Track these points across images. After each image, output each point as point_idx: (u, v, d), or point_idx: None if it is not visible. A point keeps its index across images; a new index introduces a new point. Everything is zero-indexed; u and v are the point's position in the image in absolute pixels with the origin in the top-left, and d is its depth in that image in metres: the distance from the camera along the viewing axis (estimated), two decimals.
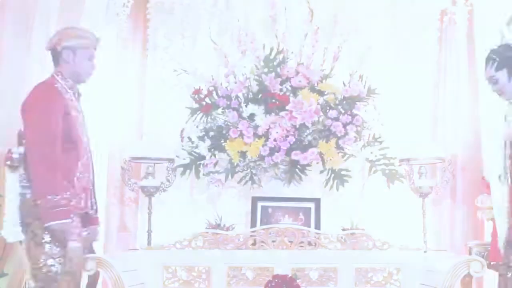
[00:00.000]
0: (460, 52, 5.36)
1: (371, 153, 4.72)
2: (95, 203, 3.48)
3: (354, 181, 4.95)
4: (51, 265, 3.11)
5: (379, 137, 4.79)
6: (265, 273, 4.25)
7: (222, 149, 4.68)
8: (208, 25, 5.25)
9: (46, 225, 3.09)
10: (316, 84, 4.74)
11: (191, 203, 5.31)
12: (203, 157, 4.70)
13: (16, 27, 4.13)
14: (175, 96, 5.41)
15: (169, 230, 5.21)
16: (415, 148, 4.90)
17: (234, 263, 4.27)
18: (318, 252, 4.32)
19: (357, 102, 4.72)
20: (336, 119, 4.63)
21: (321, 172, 4.77)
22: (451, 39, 5.40)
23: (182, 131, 4.86)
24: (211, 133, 4.71)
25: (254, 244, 4.34)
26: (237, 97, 4.77)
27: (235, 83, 4.79)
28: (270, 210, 4.70)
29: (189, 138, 4.78)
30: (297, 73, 4.74)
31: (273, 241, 4.32)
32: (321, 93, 4.72)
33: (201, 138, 4.72)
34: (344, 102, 4.71)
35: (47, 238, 3.12)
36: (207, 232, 4.38)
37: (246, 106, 4.68)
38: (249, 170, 4.66)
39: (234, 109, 4.71)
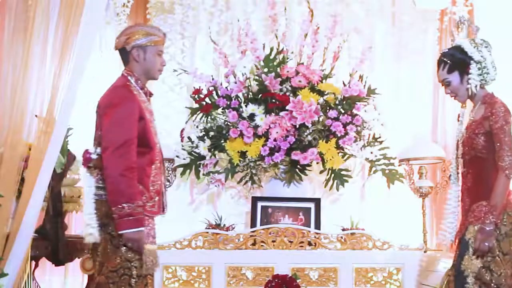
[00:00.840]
0: None
1: (371, 153, 4.72)
2: (166, 205, 3.41)
3: (354, 181, 4.96)
4: (127, 268, 3.07)
5: (379, 137, 4.79)
6: (265, 273, 4.25)
7: (222, 149, 4.68)
8: (208, 25, 5.25)
9: (119, 232, 3.04)
10: (316, 84, 4.74)
11: (191, 203, 5.31)
12: (203, 157, 4.70)
13: (16, 27, 4.12)
14: (175, 96, 5.41)
15: (169, 230, 5.21)
16: (415, 148, 4.90)
17: (234, 263, 4.27)
18: (318, 252, 4.32)
19: (357, 102, 4.72)
20: (336, 119, 4.63)
21: (321, 172, 4.78)
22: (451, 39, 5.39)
23: (182, 131, 4.86)
24: (211, 133, 4.71)
25: (254, 244, 4.34)
26: (237, 97, 4.77)
27: (235, 83, 4.79)
28: (270, 210, 4.70)
29: (189, 138, 4.78)
30: (297, 73, 4.74)
31: (273, 241, 4.32)
32: (321, 93, 4.72)
33: (201, 138, 4.72)
34: (344, 102, 4.71)
35: (124, 240, 3.07)
36: (207, 232, 4.39)
37: (246, 106, 4.68)
38: (249, 170, 4.66)
39: (234, 109, 4.71)
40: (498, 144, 3.18)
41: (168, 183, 4.85)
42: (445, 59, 3.37)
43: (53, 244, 4.35)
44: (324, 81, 4.82)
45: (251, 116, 4.66)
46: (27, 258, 3.96)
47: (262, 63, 4.81)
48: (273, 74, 4.69)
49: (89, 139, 5.07)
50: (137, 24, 3.41)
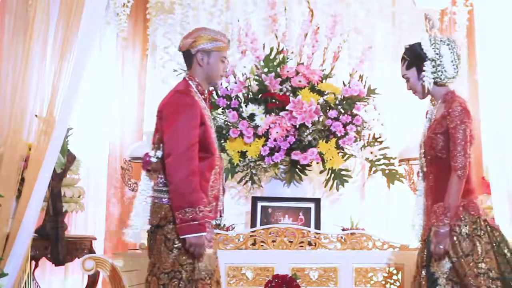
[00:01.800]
0: (460, 52, 5.35)
1: (371, 153, 4.72)
2: (223, 211, 3.42)
3: (354, 181, 4.96)
4: (178, 272, 3.09)
5: (379, 137, 4.79)
6: (265, 273, 4.25)
7: (222, 149, 4.68)
8: (208, 25, 5.24)
9: (182, 237, 3.06)
10: (316, 84, 4.74)
11: None
12: None
13: (16, 27, 4.13)
14: None
15: None
16: (415, 148, 4.89)
17: (234, 263, 4.27)
18: (318, 252, 4.32)
19: (357, 102, 4.72)
20: (336, 119, 4.63)
21: (321, 172, 4.77)
22: None
23: None
24: None
25: (254, 244, 4.34)
26: (237, 97, 4.77)
27: (235, 83, 4.79)
28: (270, 210, 4.70)
29: None
30: (297, 73, 4.74)
31: (273, 241, 4.32)
32: (321, 93, 4.72)
33: None
34: (344, 102, 4.71)
35: (178, 244, 3.10)
36: None
37: (246, 106, 4.69)
38: (249, 170, 4.66)
39: (234, 109, 4.70)
40: (452, 143, 3.17)
41: None
42: (405, 55, 3.39)
43: (53, 244, 4.36)
44: (324, 81, 4.81)
45: (251, 116, 4.66)
46: (27, 258, 3.96)
47: (262, 63, 4.81)
48: (273, 74, 4.69)
49: (89, 139, 5.13)
50: (204, 28, 3.40)
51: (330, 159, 4.59)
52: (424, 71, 3.29)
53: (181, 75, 5.08)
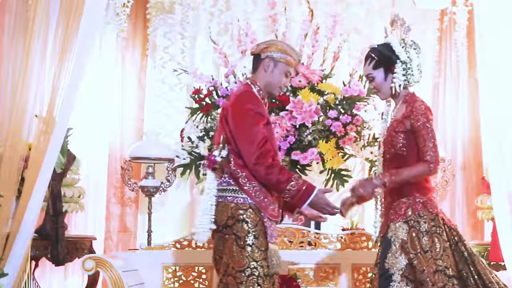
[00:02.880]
0: (460, 52, 5.37)
1: (371, 153, 4.72)
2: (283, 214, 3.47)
3: (354, 181, 4.95)
4: (254, 268, 3.11)
5: (379, 137, 4.79)
6: None
7: None
8: (208, 25, 5.25)
9: (304, 206, 3.16)
10: (316, 84, 4.74)
11: (191, 203, 5.31)
12: (203, 157, 4.69)
13: (16, 27, 4.13)
14: (175, 96, 5.42)
15: (169, 230, 5.21)
16: None
17: None
18: (318, 252, 4.33)
19: (357, 102, 4.72)
20: (336, 119, 4.63)
21: (321, 172, 4.77)
22: (451, 39, 5.40)
23: (182, 131, 4.87)
24: (211, 133, 4.71)
25: None
26: None
27: (235, 83, 4.79)
28: None
29: (189, 138, 4.78)
30: (297, 73, 4.74)
31: None
32: (321, 93, 4.72)
33: (201, 138, 4.72)
34: (344, 102, 4.71)
35: (249, 240, 3.13)
36: None
37: None
38: None
39: None
40: (421, 140, 3.19)
41: (168, 183, 4.85)
42: (372, 54, 3.39)
43: (53, 244, 4.36)
44: (324, 81, 4.82)
45: None
46: (27, 258, 3.96)
47: None
48: None
49: (89, 139, 5.13)
50: (283, 41, 3.56)
51: (330, 159, 4.59)
52: (394, 72, 3.31)
53: (181, 75, 5.14)
